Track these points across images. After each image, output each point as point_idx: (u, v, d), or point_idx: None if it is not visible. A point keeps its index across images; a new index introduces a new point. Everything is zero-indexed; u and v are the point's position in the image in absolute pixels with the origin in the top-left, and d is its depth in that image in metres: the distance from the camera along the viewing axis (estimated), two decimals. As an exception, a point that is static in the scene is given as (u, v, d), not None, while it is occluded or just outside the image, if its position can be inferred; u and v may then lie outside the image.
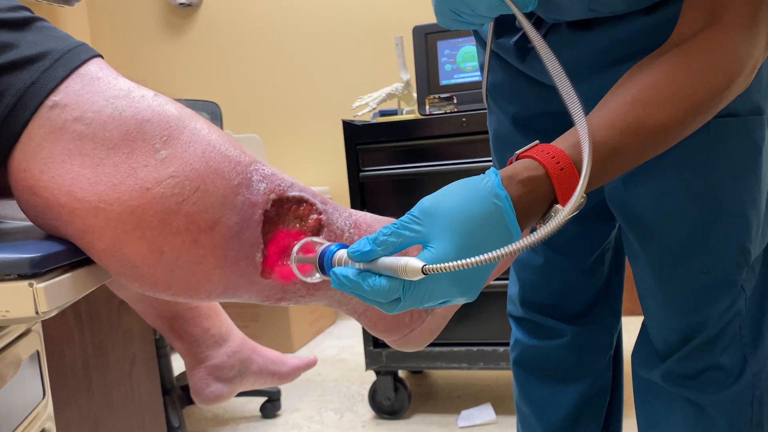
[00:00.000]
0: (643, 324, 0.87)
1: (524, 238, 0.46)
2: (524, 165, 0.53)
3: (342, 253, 0.52)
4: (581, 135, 0.52)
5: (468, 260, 0.45)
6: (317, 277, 0.55)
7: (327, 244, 0.54)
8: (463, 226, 0.48)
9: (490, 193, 0.50)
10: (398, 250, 0.49)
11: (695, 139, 0.71)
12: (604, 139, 0.54)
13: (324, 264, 0.53)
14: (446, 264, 0.45)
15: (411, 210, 0.50)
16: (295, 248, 0.55)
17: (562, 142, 0.55)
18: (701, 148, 0.71)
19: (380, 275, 0.48)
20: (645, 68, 0.59)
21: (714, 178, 0.72)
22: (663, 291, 0.79)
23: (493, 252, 0.45)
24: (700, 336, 0.78)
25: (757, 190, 0.74)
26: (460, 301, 0.51)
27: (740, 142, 0.72)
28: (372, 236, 0.49)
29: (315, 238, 0.56)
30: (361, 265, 0.49)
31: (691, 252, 0.76)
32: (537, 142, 0.56)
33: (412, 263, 0.46)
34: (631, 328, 1.16)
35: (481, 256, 0.45)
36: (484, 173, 0.53)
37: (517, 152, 0.56)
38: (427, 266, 0.46)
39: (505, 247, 0.45)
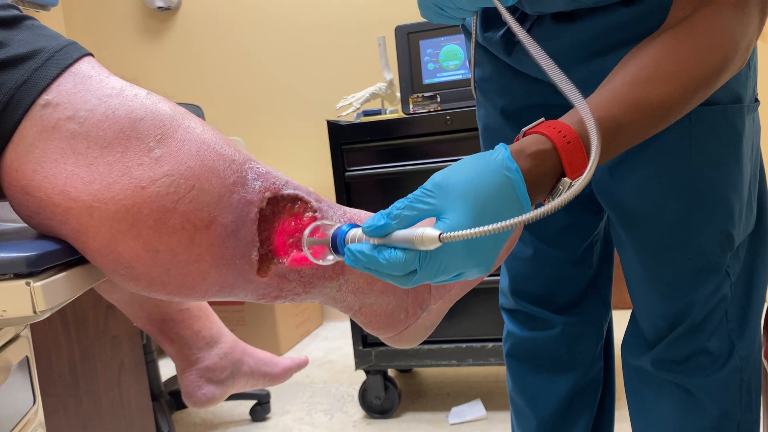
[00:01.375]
0: (633, 313, 0.88)
1: (540, 208, 0.47)
2: (532, 139, 0.55)
3: (355, 232, 0.52)
4: (582, 112, 0.53)
5: (484, 228, 0.45)
6: (330, 258, 0.55)
7: (338, 225, 0.54)
8: (475, 197, 0.49)
9: (501, 166, 0.51)
10: (412, 223, 0.49)
11: (677, 127, 0.73)
12: (607, 115, 0.56)
13: (337, 244, 0.53)
14: (463, 232, 0.46)
15: (423, 184, 0.50)
16: (306, 231, 0.55)
17: (567, 118, 0.56)
18: (683, 137, 0.73)
19: (395, 248, 0.48)
20: (643, 49, 0.61)
21: (696, 165, 0.74)
22: (650, 277, 0.81)
23: (509, 220, 0.46)
24: (686, 321, 0.80)
25: (739, 176, 0.75)
26: (474, 274, 0.52)
27: (721, 130, 0.74)
28: (386, 211, 0.49)
29: (324, 221, 0.56)
30: (376, 240, 0.49)
31: (676, 238, 0.77)
32: (543, 119, 0.57)
33: (428, 232, 0.46)
34: (616, 322, 1.17)
35: (497, 224, 0.45)
36: (493, 148, 0.53)
37: (524, 129, 0.57)
38: (444, 234, 0.46)
39: (521, 216, 0.46)
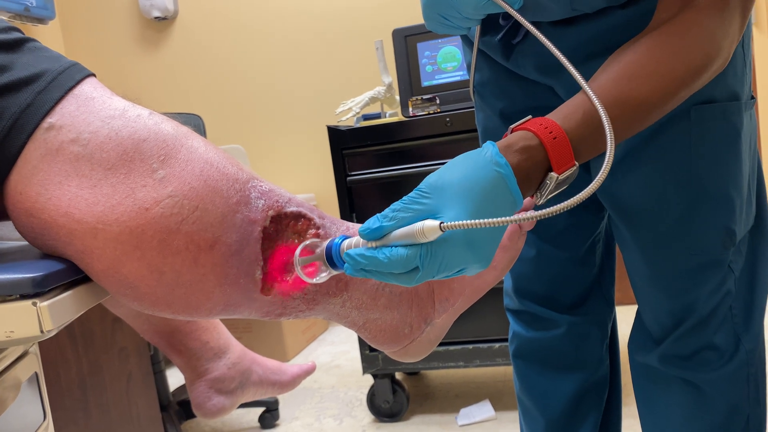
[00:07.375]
0: (638, 310, 0.88)
1: (554, 206, 0.48)
2: (519, 136, 0.55)
3: (348, 242, 0.53)
4: (592, 99, 0.56)
5: (484, 220, 0.46)
6: (324, 276, 0.55)
7: (327, 240, 0.54)
8: (470, 193, 0.50)
9: (490, 162, 0.52)
10: (408, 224, 0.50)
11: (677, 126, 0.73)
12: (591, 112, 0.57)
13: (332, 256, 0.53)
14: (463, 222, 0.47)
15: (418, 186, 0.51)
16: (297, 252, 0.55)
17: (554, 115, 0.58)
18: (683, 135, 0.74)
19: (395, 247, 0.49)
20: (628, 49, 0.62)
21: (696, 162, 0.75)
22: (653, 274, 0.81)
23: (509, 217, 0.47)
24: (692, 317, 0.80)
25: (739, 172, 0.76)
26: (474, 269, 0.52)
27: (720, 127, 0.74)
28: (381, 214, 0.50)
29: (313, 240, 0.56)
30: (373, 244, 0.50)
31: (678, 235, 0.78)
32: (530, 116, 0.58)
33: (428, 223, 0.47)
34: (622, 318, 1.17)
35: (497, 219, 0.47)
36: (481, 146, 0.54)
37: (512, 126, 0.58)
38: (444, 223, 0.47)
39: (522, 214, 0.48)
